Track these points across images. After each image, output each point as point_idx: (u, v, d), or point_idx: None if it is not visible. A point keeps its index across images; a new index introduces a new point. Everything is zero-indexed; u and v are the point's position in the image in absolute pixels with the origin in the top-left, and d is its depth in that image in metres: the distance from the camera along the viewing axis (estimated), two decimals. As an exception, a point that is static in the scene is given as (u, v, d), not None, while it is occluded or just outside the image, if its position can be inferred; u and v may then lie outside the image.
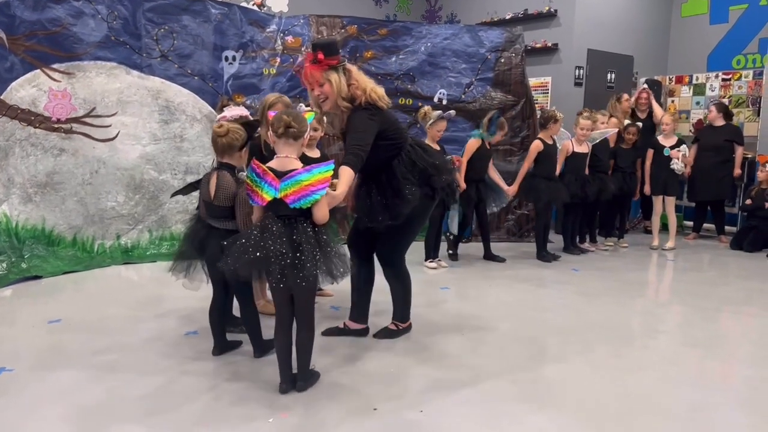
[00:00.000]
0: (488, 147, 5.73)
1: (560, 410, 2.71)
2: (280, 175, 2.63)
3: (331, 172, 2.66)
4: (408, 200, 3.24)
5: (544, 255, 5.99)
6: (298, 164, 2.67)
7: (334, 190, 2.82)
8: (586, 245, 6.53)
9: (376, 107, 3.20)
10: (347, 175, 2.98)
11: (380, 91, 3.25)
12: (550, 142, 5.99)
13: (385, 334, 3.62)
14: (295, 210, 2.63)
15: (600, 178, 6.34)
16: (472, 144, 5.62)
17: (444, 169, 3.43)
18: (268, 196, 2.64)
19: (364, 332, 3.61)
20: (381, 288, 3.65)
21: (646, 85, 7.77)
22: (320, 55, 3.15)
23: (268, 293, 4.11)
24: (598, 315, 4.20)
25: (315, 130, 3.98)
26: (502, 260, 5.86)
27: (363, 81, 3.21)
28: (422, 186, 3.33)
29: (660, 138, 6.68)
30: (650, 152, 6.72)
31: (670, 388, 2.99)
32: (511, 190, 5.93)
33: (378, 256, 3.55)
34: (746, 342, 3.82)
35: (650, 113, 7.42)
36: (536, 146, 5.94)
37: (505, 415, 2.65)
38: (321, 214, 2.67)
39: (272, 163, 2.70)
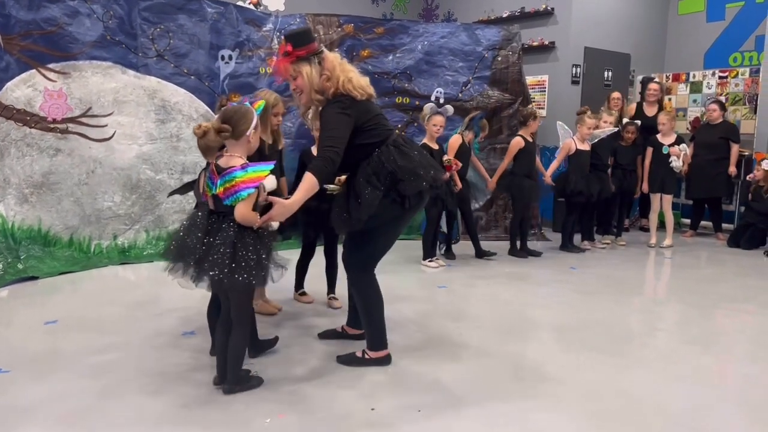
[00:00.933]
0: (468, 144, 5.71)
1: (559, 409, 2.71)
2: (221, 171, 2.63)
3: (266, 172, 2.60)
4: (365, 205, 2.90)
5: (517, 251, 6.02)
6: (239, 161, 2.63)
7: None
8: (585, 243, 6.53)
9: (351, 98, 2.91)
10: (307, 183, 2.78)
11: (358, 80, 2.94)
12: (530, 139, 6.01)
13: (347, 358, 3.19)
14: (229, 207, 2.62)
15: (600, 176, 6.35)
16: (455, 141, 5.58)
17: (418, 174, 2.92)
18: (209, 192, 2.68)
19: (362, 337, 3.35)
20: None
21: (657, 79, 7.81)
22: (289, 47, 2.93)
23: (267, 293, 4.11)
24: (597, 313, 4.20)
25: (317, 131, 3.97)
26: (492, 254, 5.87)
27: (338, 71, 2.92)
28: (388, 191, 2.93)
29: (659, 136, 6.68)
30: (649, 150, 6.73)
31: (668, 386, 2.99)
32: (490, 184, 5.97)
33: (342, 260, 3.27)
34: (744, 339, 3.82)
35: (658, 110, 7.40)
36: (517, 143, 5.98)
37: (504, 415, 2.64)
38: (240, 213, 2.59)
39: (220, 161, 2.68)
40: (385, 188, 2.92)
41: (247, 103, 2.82)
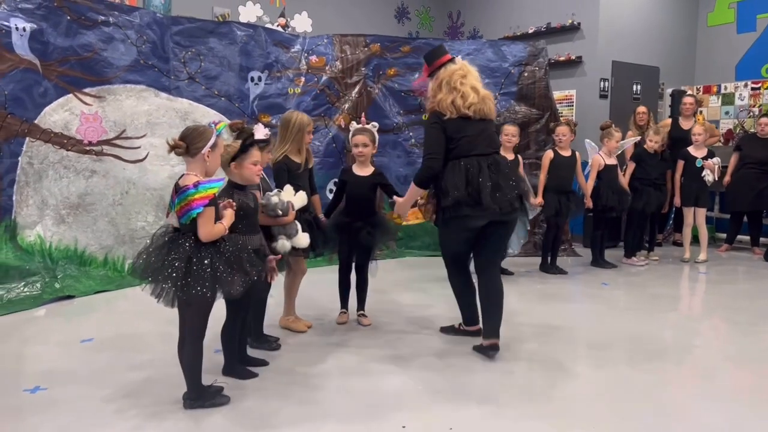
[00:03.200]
0: (510, 160, 5.67)
1: (593, 426, 2.66)
2: (179, 190, 2.66)
3: (215, 189, 2.64)
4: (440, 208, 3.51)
5: (548, 267, 5.96)
6: (193, 180, 2.65)
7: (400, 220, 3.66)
8: (633, 260, 6.45)
9: (441, 114, 3.45)
10: (411, 189, 3.55)
11: (454, 101, 3.42)
12: (566, 153, 5.94)
13: (448, 329, 4.01)
14: (187, 225, 2.64)
15: (647, 190, 6.32)
16: None
17: (446, 192, 3.40)
18: (170, 210, 2.71)
19: (478, 333, 3.71)
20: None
21: (691, 92, 7.73)
22: (425, 66, 3.67)
23: (297, 310, 4.14)
24: (630, 329, 4.13)
25: (366, 146, 4.03)
26: (510, 274, 5.82)
27: (438, 91, 3.50)
28: (439, 200, 3.51)
29: (690, 149, 6.57)
30: (680, 163, 6.62)
31: (706, 404, 2.92)
32: (537, 201, 5.86)
33: None
34: (785, 356, 3.72)
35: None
36: (547, 156, 5.97)
37: (537, 433, 2.61)
38: (203, 231, 2.62)
39: (180, 179, 2.71)
40: (437, 198, 3.55)
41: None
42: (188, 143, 2.70)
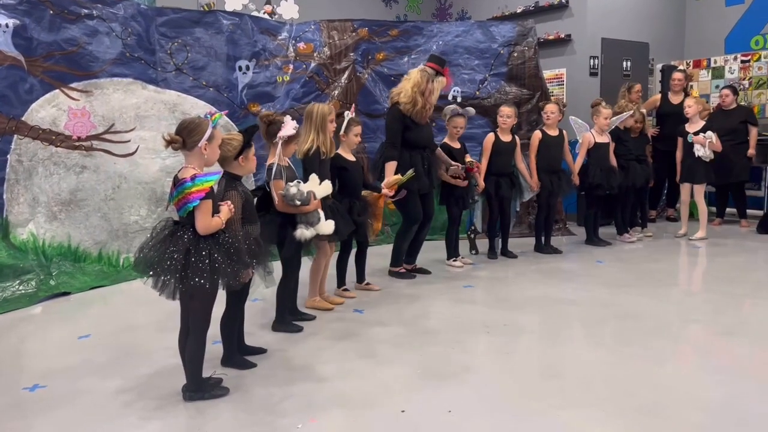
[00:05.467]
0: (507, 141, 5.66)
1: (591, 404, 2.68)
2: (177, 183, 2.66)
3: (212, 183, 2.64)
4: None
5: (542, 247, 5.99)
6: (190, 173, 2.64)
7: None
8: (625, 237, 6.46)
9: None
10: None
11: None
12: (553, 133, 5.92)
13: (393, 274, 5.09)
14: (185, 218, 2.65)
15: (632, 166, 6.34)
16: (488, 140, 5.65)
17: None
18: (169, 203, 2.72)
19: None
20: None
21: (680, 67, 7.73)
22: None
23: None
24: (625, 306, 4.15)
25: (356, 135, 4.33)
26: (513, 257, 5.83)
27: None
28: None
29: (687, 125, 6.55)
30: (680, 140, 6.60)
31: (703, 378, 2.95)
32: (533, 184, 5.86)
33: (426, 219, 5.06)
34: (780, 327, 3.74)
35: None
36: (535, 136, 5.94)
37: (537, 414, 2.62)
38: (200, 224, 2.62)
39: (179, 172, 2.69)
40: None
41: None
42: (184, 137, 2.68)
